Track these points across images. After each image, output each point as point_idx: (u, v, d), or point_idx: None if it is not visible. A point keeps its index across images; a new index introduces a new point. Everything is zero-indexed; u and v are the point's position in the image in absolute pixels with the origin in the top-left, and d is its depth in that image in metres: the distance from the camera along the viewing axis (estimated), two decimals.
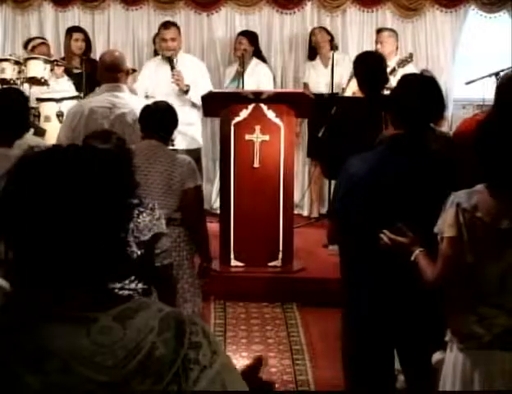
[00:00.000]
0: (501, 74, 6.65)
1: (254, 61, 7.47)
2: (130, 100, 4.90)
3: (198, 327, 1.41)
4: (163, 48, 6.97)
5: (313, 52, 7.73)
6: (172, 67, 6.81)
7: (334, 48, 7.33)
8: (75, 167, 1.39)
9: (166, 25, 7.09)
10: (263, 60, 7.63)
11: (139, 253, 3.19)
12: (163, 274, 3.44)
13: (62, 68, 7.12)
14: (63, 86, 6.96)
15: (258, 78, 7.32)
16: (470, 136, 2.88)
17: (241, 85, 7.06)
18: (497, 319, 2.68)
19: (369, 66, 5.27)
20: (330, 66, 7.26)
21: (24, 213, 1.35)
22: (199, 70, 7.09)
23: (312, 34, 7.68)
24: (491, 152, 2.66)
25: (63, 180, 1.37)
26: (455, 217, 2.68)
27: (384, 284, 3.20)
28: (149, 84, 6.91)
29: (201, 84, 6.80)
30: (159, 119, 4.28)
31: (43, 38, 7.66)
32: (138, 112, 4.53)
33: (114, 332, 1.36)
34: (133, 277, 3.21)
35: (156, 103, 4.49)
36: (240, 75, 7.20)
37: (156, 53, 7.59)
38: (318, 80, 7.53)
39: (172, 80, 6.76)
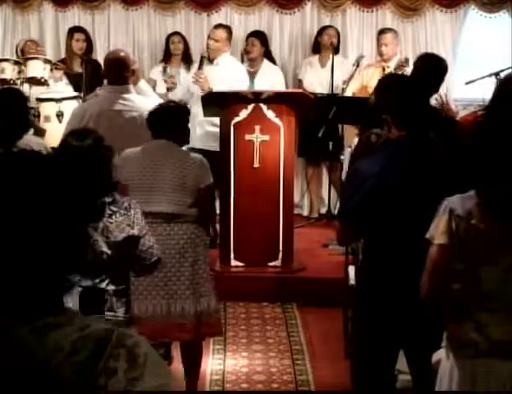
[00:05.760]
0: (501, 74, 6.66)
1: (266, 62, 7.45)
2: (139, 102, 4.83)
3: (121, 350, 1.29)
4: (206, 45, 6.96)
5: (316, 48, 7.71)
6: (199, 67, 6.68)
7: (336, 50, 7.36)
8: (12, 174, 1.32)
9: (217, 26, 7.12)
10: (273, 61, 7.62)
11: (109, 253, 3.19)
12: (151, 271, 3.57)
13: (62, 71, 7.12)
14: (62, 89, 6.96)
15: (270, 79, 7.26)
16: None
17: (253, 86, 7.05)
18: (497, 326, 2.63)
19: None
20: (327, 67, 7.26)
21: None
22: (240, 74, 6.93)
23: (324, 31, 7.62)
24: (482, 159, 2.62)
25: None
26: (448, 224, 2.64)
27: (398, 283, 3.21)
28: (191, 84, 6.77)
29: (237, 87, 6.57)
30: (165, 119, 4.25)
31: (29, 39, 7.69)
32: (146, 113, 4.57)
33: (26, 346, 1.28)
34: (104, 277, 3.22)
35: (163, 104, 4.45)
36: (251, 76, 7.20)
37: (166, 54, 7.62)
38: (314, 79, 7.52)
39: (192, 79, 6.66)
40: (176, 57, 7.57)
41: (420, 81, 4.59)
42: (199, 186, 4.18)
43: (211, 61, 6.82)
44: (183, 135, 4.33)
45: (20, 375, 1.26)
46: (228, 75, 6.67)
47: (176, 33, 7.71)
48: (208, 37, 6.99)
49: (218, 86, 6.46)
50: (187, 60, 7.58)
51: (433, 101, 4.84)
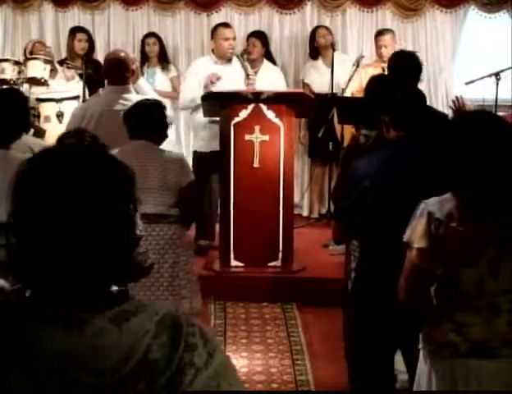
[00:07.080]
0: (501, 74, 6.66)
1: (266, 63, 7.40)
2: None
3: (195, 328, 1.41)
4: (226, 47, 6.56)
5: (314, 52, 7.69)
6: (246, 68, 6.44)
7: (334, 48, 7.35)
8: (86, 165, 1.41)
9: (226, 24, 6.90)
10: (273, 61, 7.59)
11: None
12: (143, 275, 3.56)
13: (73, 70, 7.11)
14: (74, 88, 6.93)
15: (271, 80, 7.19)
16: None
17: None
18: (475, 326, 2.60)
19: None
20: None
21: (33, 207, 1.37)
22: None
23: (316, 33, 7.62)
24: (458, 159, 2.59)
25: (72, 178, 1.38)
26: (427, 228, 2.60)
27: (394, 282, 3.20)
28: (199, 87, 6.40)
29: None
30: (141, 119, 4.24)
31: (37, 41, 7.69)
32: None
33: (109, 335, 1.36)
34: None
35: (138, 103, 4.40)
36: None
37: (143, 56, 7.56)
38: (322, 80, 7.47)
39: (249, 82, 6.32)
40: (153, 58, 7.55)
41: (400, 80, 4.61)
42: (181, 185, 4.19)
43: (229, 61, 6.63)
44: (160, 133, 4.32)
45: (109, 363, 1.35)
46: (239, 75, 6.50)
47: (150, 34, 7.66)
48: (225, 39, 6.60)
49: (232, 86, 6.31)
50: (164, 60, 7.54)
51: (450, 104, 4.84)
